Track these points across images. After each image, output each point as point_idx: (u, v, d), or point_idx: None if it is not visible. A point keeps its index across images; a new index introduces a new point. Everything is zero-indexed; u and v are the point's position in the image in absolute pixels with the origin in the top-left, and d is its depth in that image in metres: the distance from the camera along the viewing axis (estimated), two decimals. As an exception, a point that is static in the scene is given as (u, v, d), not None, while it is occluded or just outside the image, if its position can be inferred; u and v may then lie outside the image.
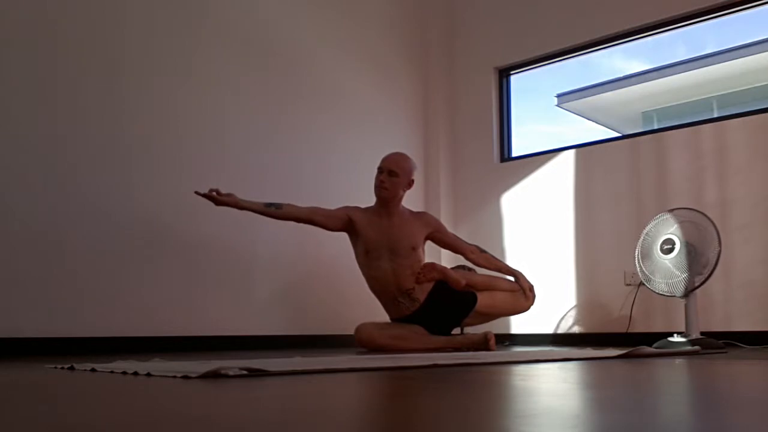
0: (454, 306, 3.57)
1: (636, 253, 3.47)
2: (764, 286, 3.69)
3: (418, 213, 3.79)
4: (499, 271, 3.68)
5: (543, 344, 4.32)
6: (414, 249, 3.58)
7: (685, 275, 3.28)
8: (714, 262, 3.23)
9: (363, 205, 3.65)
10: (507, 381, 1.48)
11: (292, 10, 4.30)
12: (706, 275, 3.25)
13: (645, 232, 3.47)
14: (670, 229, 3.37)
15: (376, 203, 3.61)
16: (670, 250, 3.32)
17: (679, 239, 3.32)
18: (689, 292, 3.30)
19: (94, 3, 3.41)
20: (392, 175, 3.52)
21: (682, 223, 3.35)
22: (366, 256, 3.57)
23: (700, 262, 3.27)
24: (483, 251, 3.73)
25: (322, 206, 3.58)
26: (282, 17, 4.24)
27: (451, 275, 3.54)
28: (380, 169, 3.56)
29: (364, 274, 3.63)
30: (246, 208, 3.34)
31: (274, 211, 3.41)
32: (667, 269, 3.33)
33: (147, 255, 3.44)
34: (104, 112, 3.38)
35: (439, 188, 5.00)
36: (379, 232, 3.55)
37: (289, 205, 3.46)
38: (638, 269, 3.45)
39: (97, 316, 3.23)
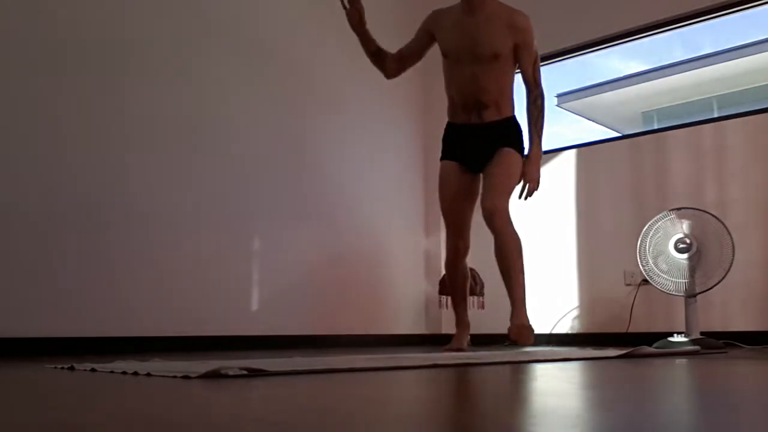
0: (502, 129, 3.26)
1: (643, 250, 3.41)
2: (762, 286, 3.69)
3: (514, 11, 3.12)
4: (531, 135, 3.28)
5: (543, 344, 4.32)
6: (496, 57, 3.10)
7: (697, 276, 3.29)
8: (728, 267, 3.24)
9: (448, 4, 3.24)
10: (507, 381, 1.48)
11: (291, 11, 4.30)
12: (719, 279, 3.25)
13: (654, 229, 3.40)
14: (683, 229, 3.35)
15: None
16: (686, 250, 3.31)
17: (695, 240, 3.31)
18: (699, 293, 3.30)
19: (95, 3, 3.41)
20: None
21: (695, 224, 3.34)
22: (445, 59, 3.25)
23: (710, 265, 3.27)
24: (541, 107, 3.29)
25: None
26: (281, 18, 4.24)
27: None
28: None
29: (444, 77, 3.32)
30: (364, 35, 3.21)
31: (381, 58, 3.28)
32: (680, 268, 3.32)
33: (147, 255, 3.44)
34: (104, 112, 3.38)
35: (439, 188, 4.97)
36: (461, 34, 3.12)
37: (389, 56, 3.30)
38: (643, 266, 3.40)
39: (97, 316, 3.23)
